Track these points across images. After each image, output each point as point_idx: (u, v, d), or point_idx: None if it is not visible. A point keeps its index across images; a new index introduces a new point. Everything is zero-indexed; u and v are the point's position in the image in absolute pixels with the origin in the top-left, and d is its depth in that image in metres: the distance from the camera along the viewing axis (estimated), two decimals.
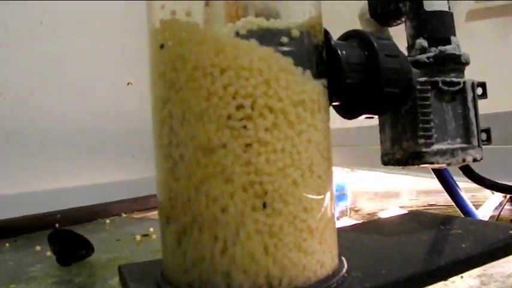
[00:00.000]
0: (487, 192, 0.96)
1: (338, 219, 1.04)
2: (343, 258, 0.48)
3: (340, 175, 1.37)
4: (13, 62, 1.15)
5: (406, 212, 0.87)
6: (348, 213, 1.12)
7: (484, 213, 0.88)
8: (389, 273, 0.45)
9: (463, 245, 0.53)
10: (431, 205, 1.12)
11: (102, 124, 1.31)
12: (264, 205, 0.40)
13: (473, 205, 0.75)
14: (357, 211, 1.13)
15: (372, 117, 0.56)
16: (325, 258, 0.44)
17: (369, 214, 1.07)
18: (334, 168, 0.47)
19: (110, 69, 1.34)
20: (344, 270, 0.46)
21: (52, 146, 1.20)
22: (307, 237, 0.42)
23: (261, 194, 0.40)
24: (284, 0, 0.45)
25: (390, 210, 1.10)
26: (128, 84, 1.36)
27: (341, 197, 1.30)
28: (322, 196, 0.44)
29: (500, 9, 1.48)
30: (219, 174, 0.40)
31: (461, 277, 0.48)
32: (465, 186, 0.74)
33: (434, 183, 0.76)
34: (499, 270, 0.49)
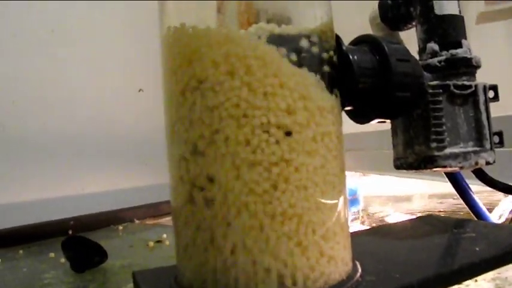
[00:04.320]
0: (501, 195, 0.96)
1: (351, 223, 1.04)
2: (357, 263, 0.48)
3: (353, 180, 1.37)
4: (25, 70, 1.16)
5: (419, 215, 0.87)
6: (361, 217, 1.12)
7: (497, 216, 0.88)
8: (403, 277, 0.45)
9: (477, 248, 0.53)
10: (442, 210, 1.12)
11: (115, 131, 1.31)
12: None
13: (487, 208, 0.75)
14: (369, 215, 1.13)
15: (384, 122, 0.56)
16: (339, 262, 0.44)
17: (381, 218, 1.07)
18: (346, 173, 0.47)
19: (122, 76, 1.34)
20: (358, 274, 0.46)
21: (65, 153, 1.21)
22: (321, 242, 0.42)
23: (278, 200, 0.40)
24: (295, 6, 0.45)
25: (402, 214, 1.10)
26: (140, 91, 1.36)
27: (353, 201, 1.29)
28: (336, 201, 0.44)
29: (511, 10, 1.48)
30: (234, 182, 0.40)
31: (476, 281, 0.48)
32: (478, 189, 0.74)
33: (448, 187, 0.75)
34: None
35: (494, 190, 0.70)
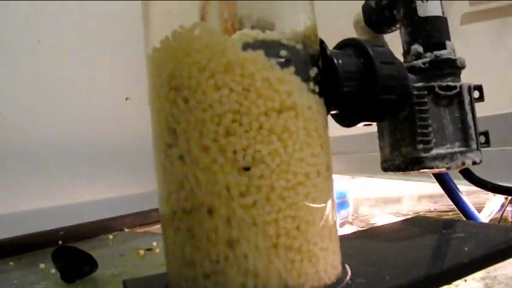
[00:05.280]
0: (489, 195, 0.96)
1: (340, 226, 1.04)
2: (347, 266, 0.48)
3: (342, 183, 1.37)
4: (12, 81, 1.16)
5: (407, 217, 0.87)
6: (350, 220, 1.12)
7: (486, 215, 0.88)
8: (393, 278, 0.45)
9: (466, 248, 0.53)
10: (430, 211, 1.12)
11: (103, 140, 1.31)
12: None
13: (475, 208, 0.75)
14: (359, 218, 1.14)
15: (370, 125, 0.56)
16: (328, 266, 0.44)
17: (371, 221, 1.07)
18: (335, 176, 0.48)
19: (109, 85, 1.34)
20: (348, 277, 0.46)
21: (54, 164, 1.21)
22: (310, 246, 0.42)
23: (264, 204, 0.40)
24: (279, 11, 0.45)
25: (392, 216, 1.10)
26: (127, 99, 1.36)
27: (343, 204, 1.30)
28: (324, 204, 0.44)
29: (496, 11, 1.49)
30: (220, 189, 0.40)
31: (465, 280, 0.48)
32: (466, 189, 0.74)
33: (436, 188, 0.76)
34: (503, 272, 0.50)
35: (483, 190, 0.70)
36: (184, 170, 0.42)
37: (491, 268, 0.51)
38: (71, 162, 1.24)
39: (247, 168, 0.40)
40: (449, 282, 0.47)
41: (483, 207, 0.90)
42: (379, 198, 1.40)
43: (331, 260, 0.44)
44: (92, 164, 1.28)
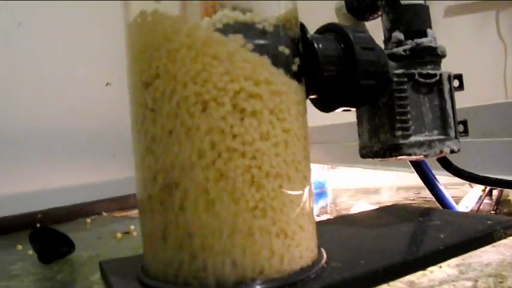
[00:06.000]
0: (469, 187, 0.97)
1: (319, 216, 1.04)
2: (323, 250, 0.49)
3: (320, 172, 1.37)
4: None
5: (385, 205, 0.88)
6: (329, 210, 1.13)
7: (464, 206, 0.89)
8: (369, 263, 0.45)
9: (442, 236, 0.53)
10: (411, 200, 1.13)
11: (83, 125, 1.30)
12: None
13: (455, 201, 0.75)
14: (337, 208, 1.14)
15: (349, 110, 0.56)
16: (303, 249, 0.44)
17: (349, 211, 1.08)
18: (314, 166, 0.48)
19: (89, 70, 1.33)
20: (323, 261, 0.46)
21: (33, 147, 1.20)
22: (286, 229, 0.42)
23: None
24: None
25: (371, 206, 1.10)
26: (107, 84, 1.36)
27: (321, 194, 1.30)
28: (301, 191, 0.44)
29: (478, 5, 1.50)
30: (195, 175, 0.40)
31: (440, 267, 0.48)
32: (446, 181, 0.75)
33: (416, 179, 0.76)
34: (477, 260, 0.50)
35: (462, 180, 0.70)
36: (161, 153, 0.42)
37: (466, 255, 0.51)
38: (50, 146, 1.23)
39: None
40: (424, 268, 0.48)
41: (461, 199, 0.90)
42: (358, 188, 1.40)
43: (307, 244, 0.44)
44: (71, 148, 1.28)
